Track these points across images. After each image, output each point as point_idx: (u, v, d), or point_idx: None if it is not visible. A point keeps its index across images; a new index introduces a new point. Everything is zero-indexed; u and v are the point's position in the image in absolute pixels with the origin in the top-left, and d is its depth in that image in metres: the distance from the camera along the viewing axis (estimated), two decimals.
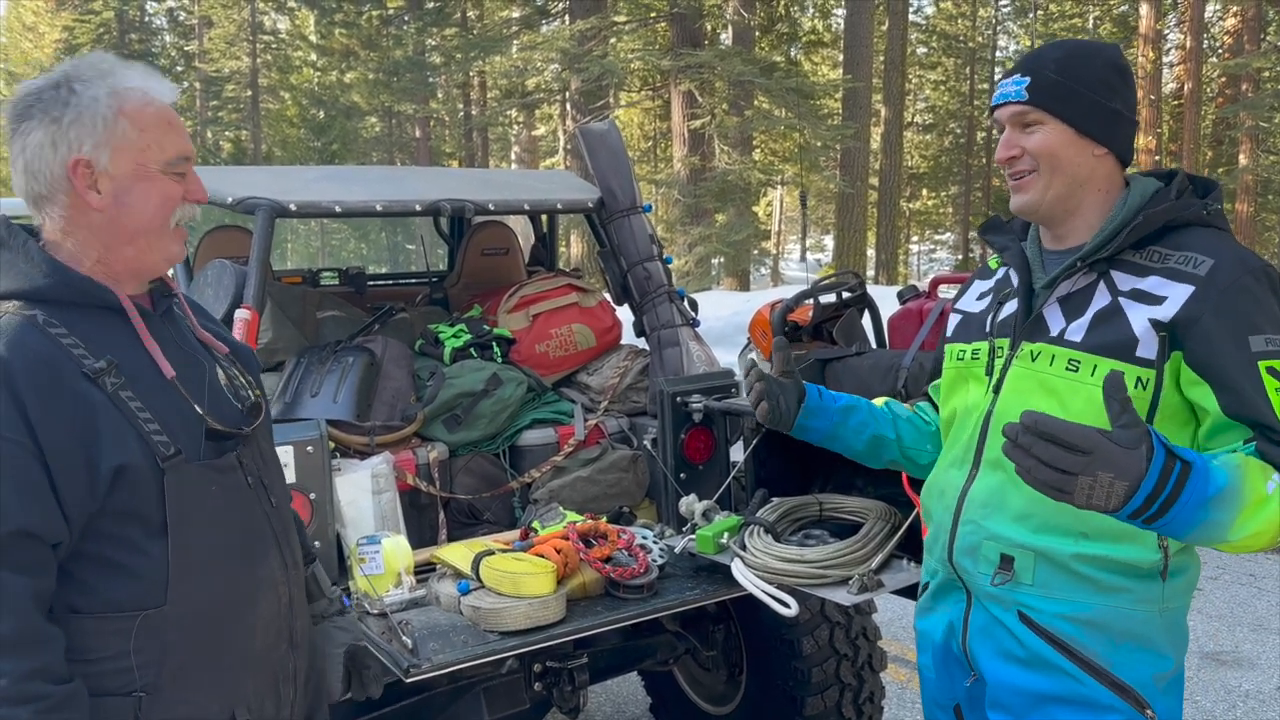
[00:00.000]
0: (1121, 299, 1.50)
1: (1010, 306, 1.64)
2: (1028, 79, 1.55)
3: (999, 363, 1.63)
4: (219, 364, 1.59)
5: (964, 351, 1.72)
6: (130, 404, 1.39)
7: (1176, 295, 1.46)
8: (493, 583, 2.30)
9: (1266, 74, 21.06)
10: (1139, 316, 1.47)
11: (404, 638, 2.25)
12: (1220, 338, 1.43)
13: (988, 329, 1.68)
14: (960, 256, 30.05)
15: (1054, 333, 1.55)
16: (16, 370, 1.32)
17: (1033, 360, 1.57)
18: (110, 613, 1.39)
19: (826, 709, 3.07)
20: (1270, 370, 1.42)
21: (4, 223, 1.45)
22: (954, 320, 1.81)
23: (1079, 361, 1.51)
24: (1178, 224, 1.52)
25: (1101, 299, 1.52)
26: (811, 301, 2.74)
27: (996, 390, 1.62)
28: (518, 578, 2.26)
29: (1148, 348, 1.46)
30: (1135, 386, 1.47)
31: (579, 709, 2.69)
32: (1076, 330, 1.53)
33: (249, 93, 27.08)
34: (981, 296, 1.77)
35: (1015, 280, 1.65)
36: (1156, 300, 1.47)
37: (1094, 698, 1.52)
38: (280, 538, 1.60)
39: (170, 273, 1.61)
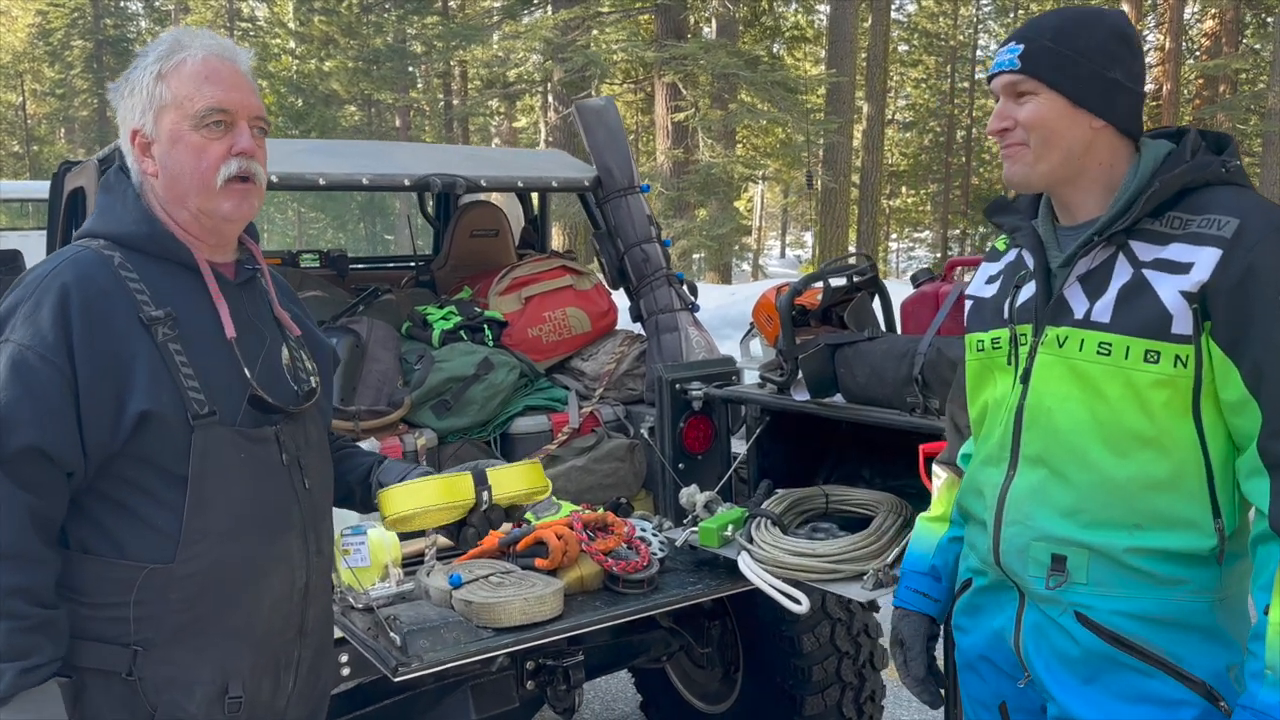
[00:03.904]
0: (1145, 271, 1.41)
1: (1029, 290, 1.55)
2: (1021, 47, 1.46)
3: (1023, 351, 1.53)
4: (287, 343, 1.60)
5: (983, 341, 1.63)
6: (176, 357, 1.42)
7: (1204, 260, 1.36)
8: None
9: (1244, 76, 21.28)
10: (1168, 289, 1.38)
11: (391, 634, 2.12)
12: (1250, 302, 1.34)
13: (1006, 315, 1.58)
14: (939, 254, 30.17)
15: (1079, 314, 1.46)
16: (74, 299, 1.38)
17: (1060, 345, 1.47)
18: (119, 559, 1.41)
19: (826, 708, 2.98)
20: None
21: (115, 171, 1.55)
22: (968, 307, 1.72)
23: (1110, 344, 1.41)
24: (1195, 185, 1.43)
25: (1123, 273, 1.43)
26: (820, 285, 2.63)
27: (1025, 380, 1.52)
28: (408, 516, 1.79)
29: (1182, 322, 1.37)
30: (1175, 365, 1.37)
31: (574, 709, 2.57)
32: (1103, 310, 1.43)
33: None
34: (991, 280, 1.67)
35: (1030, 261, 1.56)
36: (1183, 269, 1.38)
37: (1162, 692, 1.43)
38: (307, 521, 1.58)
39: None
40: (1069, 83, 1.44)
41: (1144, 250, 1.43)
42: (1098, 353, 1.42)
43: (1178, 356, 1.37)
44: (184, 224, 1.50)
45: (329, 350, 1.74)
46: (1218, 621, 1.44)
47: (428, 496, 1.67)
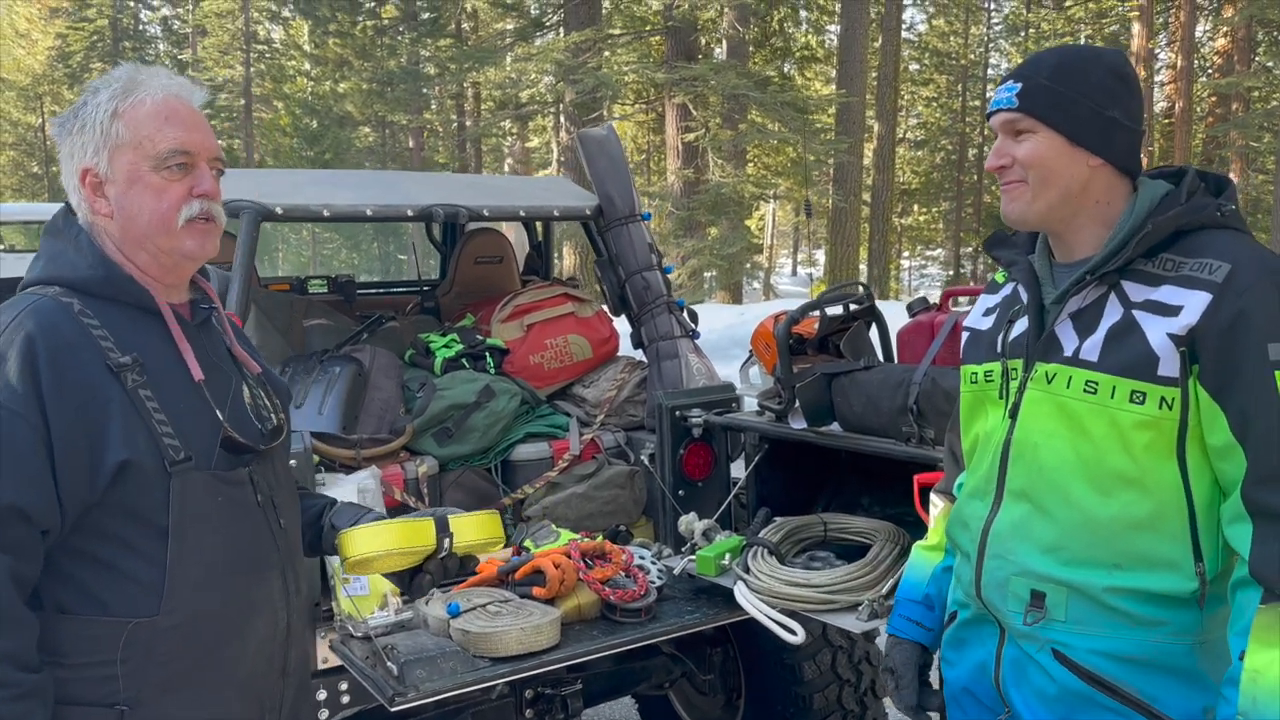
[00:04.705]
0: (1135, 311, 1.42)
1: (1021, 324, 1.56)
2: (1020, 85, 1.47)
3: (1013, 385, 1.54)
4: (247, 382, 1.56)
5: (976, 373, 1.64)
6: (148, 403, 1.37)
7: (1193, 304, 1.37)
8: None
9: (1256, 94, 21.20)
10: (1156, 330, 1.39)
11: (389, 664, 2.14)
12: (1238, 348, 1.34)
13: (999, 349, 1.59)
14: (951, 272, 30.11)
15: (1068, 352, 1.47)
16: (40, 350, 1.32)
17: (1048, 382, 1.48)
18: (101, 617, 1.36)
19: None
20: None
21: (63, 212, 1.48)
22: (965, 339, 1.73)
23: (1097, 383, 1.42)
24: (1190, 228, 1.44)
25: (1114, 313, 1.44)
26: (817, 314, 2.64)
27: (1013, 415, 1.53)
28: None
29: (1169, 364, 1.37)
30: (1160, 408, 1.38)
31: None
32: (1091, 349, 1.44)
33: (242, 101, 26.98)
34: (989, 312, 1.68)
35: (1025, 296, 1.57)
36: (1172, 311, 1.38)
37: None
38: (285, 561, 1.55)
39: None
40: (1067, 121, 1.45)
41: (1135, 291, 1.43)
42: (1084, 391, 1.43)
43: (1163, 398, 1.37)
44: (143, 265, 1.45)
45: (284, 386, 1.71)
46: (1198, 664, 1.43)
47: (391, 540, 1.61)
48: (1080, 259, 1.51)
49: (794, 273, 35.94)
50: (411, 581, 1.68)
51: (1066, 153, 1.45)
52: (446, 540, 1.65)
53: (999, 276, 1.72)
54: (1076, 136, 1.45)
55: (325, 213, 2.81)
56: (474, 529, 1.70)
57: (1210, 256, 1.39)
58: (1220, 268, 1.37)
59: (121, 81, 1.44)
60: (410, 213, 3.00)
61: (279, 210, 2.72)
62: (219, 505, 1.43)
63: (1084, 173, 1.46)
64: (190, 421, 1.42)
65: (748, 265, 21.22)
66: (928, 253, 34.30)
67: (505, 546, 2.85)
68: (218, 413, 1.45)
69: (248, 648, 1.48)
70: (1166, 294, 1.40)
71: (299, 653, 1.61)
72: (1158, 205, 1.47)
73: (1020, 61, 1.58)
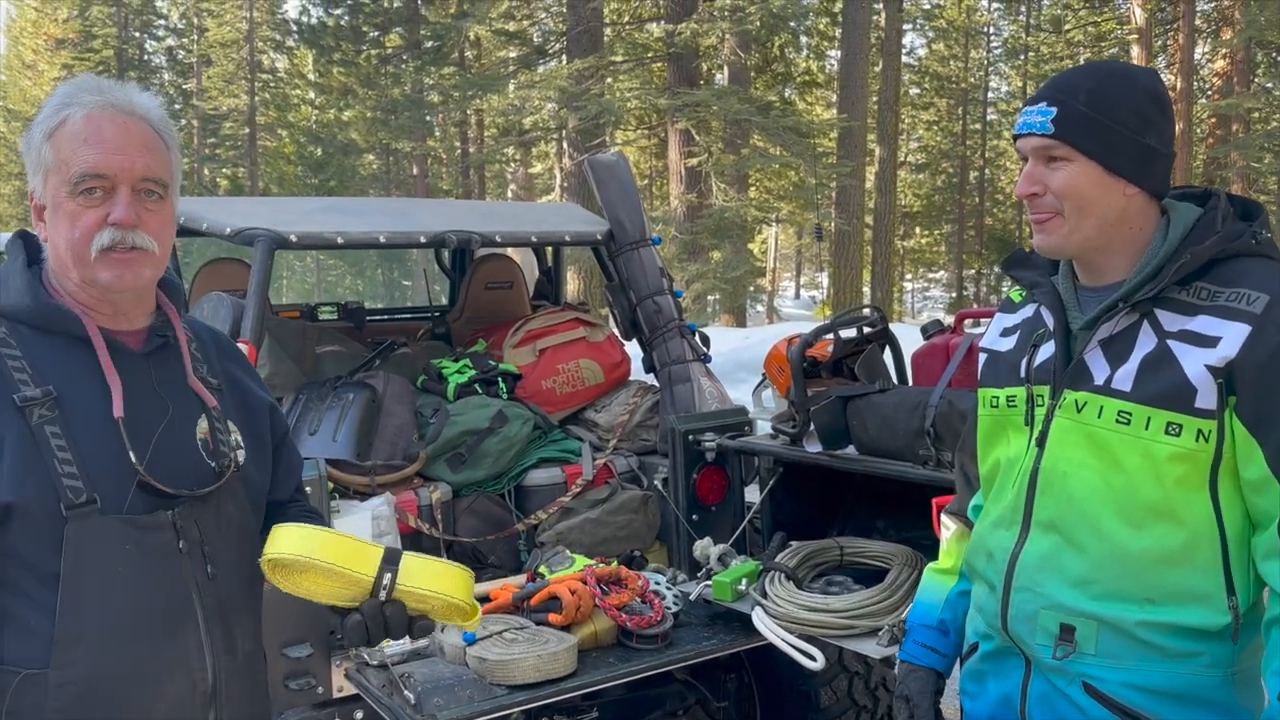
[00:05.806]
0: (1170, 342, 1.39)
1: (1047, 349, 1.52)
2: (1054, 110, 1.41)
3: (1040, 413, 1.50)
4: (207, 415, 1.43)
5: (997, 398, 1.59)
6: (52, 441, 1.28)
7: (1231, 336, 1.34)
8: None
9: (1256, 115, 21.28)
10: (1192, 361, 1.36)
11: (406, 692, 2.13)
12: (1277, 382, 1.32)
13: (1023, 374, 1.55)
14: (954, 294, 30.16)
15: (1099, 380, 1.43)
16: None
17: (1078, 411, 1.44)
18: None
19: None
20: None
21: (14, 235, 1.42)
22: (982, 360, 1.68)
23: (1130, 413, 1.38)
24: (1225, 256, 1.41)
25: (1147, 342, 1.40)
26: (831, 336, 2.64)
27: (1040, 444, 1.49)
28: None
29: (1207, 396, 1.34)
30: (1196, 440, 1.35)
31: None
32: (1124, 378, 1.40)
33: (247, 130, 27.17)
34: (1007, 333, 1.64)
35: (1049, 320, 1.53)
36: (1209, 342, 1.35)
37: None
38: (209, 615, 1.38)
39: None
40: (1105, 150, 1.40)
41: (1169, 320, 1.40)
42: (1117, 421, 1.39)
43: (1200, 431, 1.35)
44: (71, 293, 1.36)
45: (265, 413, 1.56)
46: (1231, 694, 1.41)
47: (316, 548, 1.36)
48: (1109, 284, 1.48)
49: (797, 295, 36.02)
50: (343, 621, 1.43)
51: (1103, 182, 1.41)
52: (388, 576, 1.39)
53: (1015, 295, 1.68)
54: (1114, 166, 1.41)
55: (339, 240, 2.83)
56: (429, 576, 1.41)
57: (1247, 286, 1.37)
58: (1259, 299, 1.35)
59: (58, 98, 1.34)
60: (424, 239, 3.02)
61: (293, 238, 2.73)
62: (125, 553, 1.30)
63: (1120, 201, 1.43)
64: (100, 461, 1.30)
65: (751, 289, 21.26)
66: (930, 275, 34.36)
67: (519, 573, 2.85)
68: (131, 454, 1.31)
69: (154, 712, 1.33)
70: (1203, 324, 1.37)
71: (232, 715, 1.42)
72: (1190, 232, 1.44)
73: (1045, 81, 1.53)
